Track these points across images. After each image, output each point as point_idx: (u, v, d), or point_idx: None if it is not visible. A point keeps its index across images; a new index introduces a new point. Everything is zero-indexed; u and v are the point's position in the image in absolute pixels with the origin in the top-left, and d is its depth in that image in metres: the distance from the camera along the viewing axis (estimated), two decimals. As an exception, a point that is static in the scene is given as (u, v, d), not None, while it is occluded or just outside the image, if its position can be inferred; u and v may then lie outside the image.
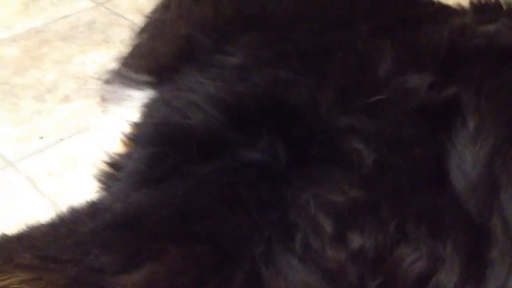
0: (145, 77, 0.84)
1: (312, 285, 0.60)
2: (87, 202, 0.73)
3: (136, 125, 0.79)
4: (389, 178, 0.58)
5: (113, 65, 1.28)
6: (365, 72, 0.64)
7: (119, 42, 1.54)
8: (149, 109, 0.79)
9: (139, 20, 1.63)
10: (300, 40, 0.75)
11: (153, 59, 0.87)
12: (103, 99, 0.98)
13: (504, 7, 0.75)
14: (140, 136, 0.76)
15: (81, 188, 1.07)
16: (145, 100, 0.82)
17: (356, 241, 0.57)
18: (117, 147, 0.81)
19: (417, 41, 0.67)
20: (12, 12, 1.74)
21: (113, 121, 0.87)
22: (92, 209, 0.70)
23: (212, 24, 0.83)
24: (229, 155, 0.68)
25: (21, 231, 0.72)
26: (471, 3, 0.76)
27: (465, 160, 0.57)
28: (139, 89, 0.84)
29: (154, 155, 0.72)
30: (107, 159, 0.78)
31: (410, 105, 0.60)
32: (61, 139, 1.19)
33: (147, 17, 1.07)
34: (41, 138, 1.20)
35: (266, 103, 0.68)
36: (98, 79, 1.31)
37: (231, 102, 0.70)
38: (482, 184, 0.57)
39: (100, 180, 0.77)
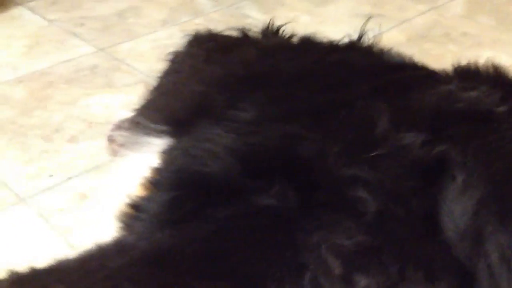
0: (163, 127, 0.91)
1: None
2: (113, 241, 0.79)
3: (156, 170, 0.85)
4: (390, 225, 0.65)
5: (122, 110, 1.35)
6: (365, 129, 0.72)
7: (122, 86, 1.61)
8: (169, 157, 0.85)
9: (139, 66, 1.72)
10: (306, 98, 0.82)
11: (169, 112, 0.93)
12: (119, 144, 1.04)
13: (484, 73, 0.84)
14: (161, 181, 0.82)
15: (91, 224, 1.13)
16: (164, 147, 0.89)
17: (362, 282, 0.64)
18: (137, 190, 0.87)
19: (409, 104, 0.75)
20: (16, 54, 1.80)
21: (131, 165, 0.93)
22: (118, 247, 0.76)
23: (224, 83, 0.91)
24: (244, 201, 0.74)
25: (50, 265, 0.77)
26: (455, 70, 0.85)
27: (454, 212, 0.65)
28: (158, 137, 0.90)
29: (175, 199, 0.78)
30: (128, 201, 0.84)
31: (406, 160, 0.68)
32: (70, 178, 1.24)
33: (159, 77, 1.14)
34: (51, 176, 1.25)
35: (278, 154, 0.75)
36: (105, 122, 1.38)
37: (246, 152, 0.77)
38: (469, 234, 0.64)
39: (121, 220, 0.83)
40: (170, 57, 1.14)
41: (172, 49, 1.81)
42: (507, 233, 0.63)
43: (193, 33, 1.13)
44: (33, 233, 1.11)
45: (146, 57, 1.77)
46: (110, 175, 1.22)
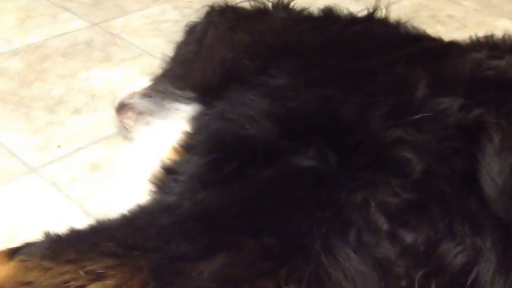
0: (191, 94, 0.92)
1: (365, 273, 0.69)
2: (154, 201, 0.80)
3: (189, 135, 0.86)
4: (435, 183, 0.68)
5: (126, 82, 1.35)
6: (405, 94, 0.75)
7: (120, 60, 1.60)
8: (202, 121, 0.86)
9: (134, 41, 1.71)
10: (338, 66, 0.85)
11: (198, 79, 0.94)
12: (139, 112, 1.04)
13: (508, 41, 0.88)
14: (196, 144, 0.83)
15: (106, 194, 1.13)
16: (193, 113, 0.90)
17: (409, 237, 0.67)
18: (168, 154, 0.88)
19: (443, 71, 0.78)
20: (9, 27, 1.76)
21: (158, 131, 0.94)
22: (162, 207, 0.77)
23: (253, 50, 0.92)
24: (284, 162, 0.77)
25: (91, 225, 0.78)
26: (478, 40, 0.89)
27: (493, 170, 0.69)
28: (186, 104, 0.91)
29: (215, 161, 0.79)
30: (161, 164, 0.85)
31: (447, 122, 0.71)
32: (79, 148, 1.24)
33: (178, 47, 1.14)
34: (59, 147, 1.24)
35: (316, 117, 0.78)
36: (108, 95, 1.37)
37: (285, 116, 0.79)
38: (507, 190, 0.68)
39: (154, 183, 0.84)
40: (187, 28, 1.15)
41: (167, 24, 1.83)
42: (543, 188, 0.67)
43: (210, 4, 1.14)
44: (47, 202, 1.11)
45: (141, 33, 1.76)
46: (120, 146, 1.23)
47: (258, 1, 1.14)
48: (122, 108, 1.21)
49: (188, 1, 1.99)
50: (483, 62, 0.80)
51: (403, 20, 1.05)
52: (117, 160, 1.18)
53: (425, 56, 0.83)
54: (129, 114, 1.13)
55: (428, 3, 2.11)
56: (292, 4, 1.15)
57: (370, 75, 0.80)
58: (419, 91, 0.74)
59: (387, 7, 1.13)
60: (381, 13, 1.10)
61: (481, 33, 0.98)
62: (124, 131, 1.22)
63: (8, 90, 1.44)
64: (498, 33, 1.95)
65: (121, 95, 1.25)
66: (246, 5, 1.17)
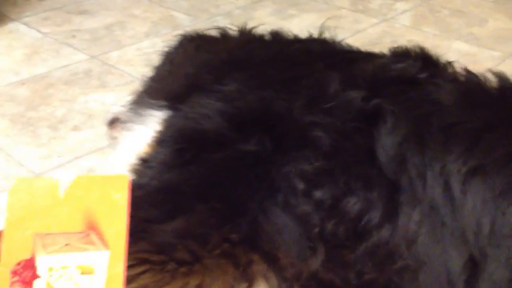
0: (162, 102, 1.13)
1: (290, 226, 0.89)
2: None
3: (160, 132, 1.07)
4: (341, 154, 0.88)
5: (116, 105, 1.57)
6: (321, 89, 0.96)
7: (114, 86, 1.82)
8: (170, 121, 1.07)
9: (128, 69, 1.94)
10: (276, 74, 1.06)
11: (167, 90, 1.16)
12: (123, 122, 1.25)
13: (412, 52, 1.09)
14: (165, 139, 1.04)
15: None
16: (164, 117, 1.11)
17: (318, 194, 0.87)
18: (144, 149, 1.09)
19: (353, 72, 1.00)
20: (17, 62, 1.99)
21: (137, 133, 1.15)
22: (136, 185, 0.97)
23: (211, 65, 1.14)
24: (231, 148, 0.97)
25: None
26: (389, 50, 1.11)
27: (386, 144, 0.89)
28: (158, 110, 1.13)
29: (178, 150, 1.00)
30: (138, 156, 1.05)
31: (352, 109, 0.92)
32: (77, 157, 1.45)
33: (155, 68, 1.36)
34: (60, 156, 1.45)
35: (257, 112, 0.98)
36: (102, 115, 1.59)
37: (232, 113, 1.00)
38: (396, 158, 0.88)
39: (133, 170, 1.04)
40: (163, 54, 1.37)
41: (156, 55, 2.06)
42: (422, 156, 0.87)
43: (183, 33, 1.36)
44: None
45: (133, 63, 1.99)
46: (112, 154, 1.43)
47: (224, 28, 1.36)
48: (112, 123, 1.42)
49: (175, 36, 2.23)
50: (387, 65, 1.01)
51: (367, 45, 1.26)
52: (109, 166, 1.38)
53: (343, 62, 1.04)
54: (118, 127, 1.34)
55: (391, 30, 2.33)
56: (255, 29, 1.38)
57: (298, 79, 1.01)
58: (332, 87, 0.95)
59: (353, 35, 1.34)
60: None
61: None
62: (115, 143, 1.43)
63: (17, 112, 1.66)
64: (452, 54, 2.16)
65: (111, 113, 1.47)
66: (213, 32, 1.39)
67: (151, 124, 1.12)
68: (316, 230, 0.86)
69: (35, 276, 0.41)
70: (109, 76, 1.88)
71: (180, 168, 0.97)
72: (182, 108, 1.07)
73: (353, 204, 0.84)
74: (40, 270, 0.41)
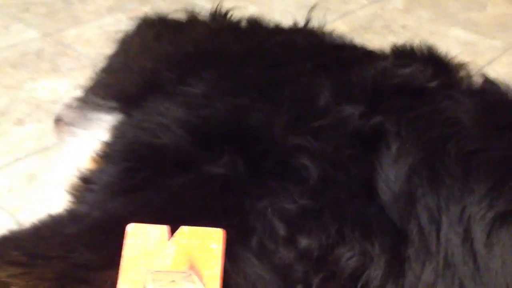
0: (113, 103, 0.93)
1: (266, 279, 0.70)
2: (65, 211, 0.81)
3: (106, 144, 0.87)
4: (331, 190, 0.69)
5: (69, 93, 1.36)
6: (309, 102, 0.77)
7: (67, 71, 1.61)
8: (120, 130, 0.87)
9: (84, 51, 1.72)
10: (254, 75, 0.86)
11: (120, 89, 0.96)
12: (67, 124, 1.05)
13: (418, 53, 0.91)
14: (112, 154, 0.84)
15: (40, 203, 1.13)
16: (114, 123, 0.91)
17: (303, 242, 0.69)
18: (87, 164, 0.89)
19: (348, 79, 0.80)
20: (-40, 38, 1.76)
21: (81, 142, 0.95)
22: (72, 216, 0.78)
23: (174, 60, 0.94)
24: (195, 170, 0.77)
25: (4, 234, 0.78)
26: (392, 50, 0.91)
27: (389, 177, 0.70)
28: (108, 113, 0.92)
29: (127, 170, 0.80)
30: (79, 174, 0.85)
31: (346, 130, 0.73)
32: (17, 159, 1.24)
33: (108, 58, 1.15)
34: (-4, 157, 1.25)
35: (227, 126, 0.79)
36: (52, 106, 1.38)
37: (197, 124, 0.80)
38: (402, 197, 0.70)
39: (72, 193, 0.85)
40: (119, 39, 1.16)
41: (119, 34, 1.84)
42: (435, 196, 0.69)
43: (142, 16, 1.15)
44: (-20, 212, 1.11)
45: (93, 43, 1.77)
46: (58, 156, 1.23)
47: (193, 11, 1.15)
48: (58, 121, 1.21)
49: (144, 12, 2.01)
50: (389, 70, 0.82)
51: (358, 29, 1.07)
52: (54, 171, 1.18)
53: (335, 65, 0.85)
54: (60, 126, 1.14)
55: (383, 13, 2.14)
56: (230, 15, 1.18)
57: (280, 84, 0.81)
58: (322, 100, 0.76)
59: (321, 24, 1.15)
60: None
61: (432, 42, 0.99)
62: (62, 144, 1.22)
63: (-49, 100, 1.44)
64: (451, 43, 1.99)
65: (59, 108, 1.26)
66: (181, 16, 1.18)
67: (98, 131, 0.92)
68: (300, 286, 0.68)
69: None
70: (63, 59, 1.66)
71: (129, 195, 0.77)
72: (135, 114, 0.87)
73: (347, 259, 0.66)
74: None
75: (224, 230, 0.58)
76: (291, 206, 0.69)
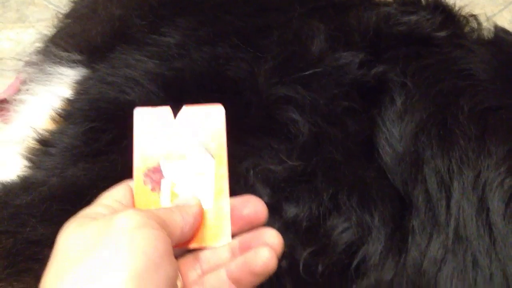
0: (76, 56, 0.84)
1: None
2: (18, 177, 0.72)
3: (68, 102, 0.78)
4: (324, 149, 0.62)
5: (34, 45, 1.25)
6: (300, 47, 0.68)
7: (35, 21, 1.50)
8: (83, 86, 0.78)
9: (54, 0, 1.61)
10: (237, 22, 0.77)
11: (84, 39, 0.86)
12: (25, 80, 0.95)
13: (423, 1, 0.82)
14: (74, 112, 0.76)
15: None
16: (77, 78, 0.82)
17: (290, 211, 0.61)
18: (46, 125, 0.80)
19: (347, 22, 0.72)
20: None
21: (40, 99, 0.86)
22: (25, 184, 0.70)
23: (147, 6, 0.84)
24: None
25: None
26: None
27: (393, 135, 0.63)
28: (70, 67, 0.83)
29: (91, 130, 0.72)
30: (36, 136, 0.77)
31: (343, 79, 0.64)
32: (-25, 120, 1.15)
33: (73, 1, 1.05)
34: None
35: (204, 78, 0.71)
36: (16, 58, 1.28)
37: (170, 77, 0.72)
38: (407, 158, 0.62)
39: (27, 158, 0.76)
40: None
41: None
42: (446, 157, 0.61)
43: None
44: None
45: (63, -9, 1.67)
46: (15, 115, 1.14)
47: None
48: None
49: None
50: (393, 16, 0.73)
51: None
52: (8, 132, 1.09)
53: (331, 9, 0.76)
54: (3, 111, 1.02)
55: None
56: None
57: (266, 30, 0.72)
58: (315, 45, 0.67)
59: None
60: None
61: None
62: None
63: None
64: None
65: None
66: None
67: (58, 88, 0.83)
68: (284, 262, 0.60)
69: (161, 177, 0.58)
70: (31, 8, 1.56)
71: (91, 160, 0.69)
72: (100, 67, 0.78)
73: (341, 231, 0.58)
74: (165, 174, 0.58)
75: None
76: (277, 168, 0.62)
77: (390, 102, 0.63)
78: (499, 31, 0.80)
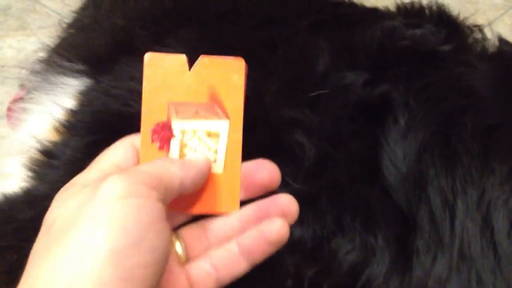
0: (80, 66, 0.84)
1: (251, 274, 0.63)
2: (22, 190, 0.72)
3: (72, 113, 0.78)
4: (329, 171, 0.62)
5: (37, 53, 1.25)
6: (305, 67, 0.68)
7: (36, 29, 1.50)
8: (87, 98, 0.78)
9: (56, 7, 1.61)
10: (240, 35, 0.77)
11: (87, 49, 0.86)
12: (26, 88, 0.95)
13: (427, 11, 0.82)
14: (77, 124, 0.76)
15: (3, 175, 1.05)
16: (81, 88, 0.82)
17: (295, 232, 0.61)
18: (50, 135, 0.80)
19: (351, 40, 0.72)
20: None
21: (43, 109, 0.86)
22: (29, 197, 0.70)
23: (150, 17, 0.84)
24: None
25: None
26: (398, 7, 0.82)
27: (396, 155, 0.63)
28: (74, 77, 0.83)
29: (94, 143, 0.72)
30: (39, 147, 0.77)
31: (348, 100, 0.64)
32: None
33: (75, 12, 1.05)
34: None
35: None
36: (18, 66, 1.28)
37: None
38: (411, 178, 0.62)
39: (30, 169, 0.76)
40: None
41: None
42: (450, 177, 0.61)
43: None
44: None
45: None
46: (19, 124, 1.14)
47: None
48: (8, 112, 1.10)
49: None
50: (397, 31, 0.73)
51: None
52: (12, 142, 1.09)
53: (336, 24, 0.76)
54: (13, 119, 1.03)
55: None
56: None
57: (271, 45, 0.72)
58: (320, 64, 0.67)
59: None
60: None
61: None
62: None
63: None
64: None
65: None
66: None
67: (62, 98, 0.83)
68: (289, 282, 0.60)
69: (171, 135, 0.53)
70: (32, 16, 1.55)
71: (95, 174, 0.69)
72: (104, 79, 0.78)
73: (346, 252, 0.58)
74: (175, 131, 0.53)
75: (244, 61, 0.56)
76: (283, 191, 0.61)
77: (393, 121, 0.63)
78: (503, 44, 0.81)
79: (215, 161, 0.54)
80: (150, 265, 0.45)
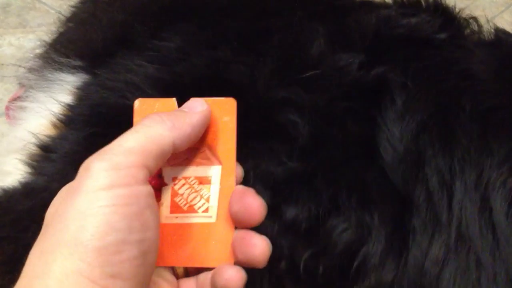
0: (77, 62, 0.85)
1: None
2: (20, 183, 0.73)
3: (69, 107, 0.79)
4: (324, 149, 0.62)
5: (35, 51, 1.27)
6: (299, 50, 0.69)
7: (36, 26, 1.52)
8: (84, 92, 0.79)
9: (56, 5, 1.63)
10: (237, 26, 0.78)
11: (85, 44, 0.87)
12: (25, 87, 0.96)
13: (423, 3, 0.82)
14: (74, 118, 0.77)
15: (2, 173, 1.05)
16: (78, 84, 0.83)
17: (290, 212, 0.61)
18: (47, 130, 0.81)
19: (346, 25, 0.72)
20: None
21: (41, 105, 0.87)
22: (26, 189, 0.71)
23: (148, 11, 0.85)
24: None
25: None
26: (394, 0, 0.83)
27: (394, 135, 0.63)
28: (71, 73, 0.84)
29: (91, 136, 0.73)
30: (37, 141, 0.78)
31: (343, 81, 0.65)
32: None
33: (74, 6, 1.06)
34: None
35: (204, 82, 0.71)
36: (17, 64, 1.29)
37: (170, 82, 0.73)
38: (408, 157, 0.63)
39: (28, 164, 0.77)
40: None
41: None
42: (448, 157, 0.62)
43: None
44: None
45: (67, -2, 1.68)
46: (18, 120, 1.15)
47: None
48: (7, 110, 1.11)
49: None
50: (393, 19, 0.74)
51: None
52: (10, 137, 1.10)
53: (330, 13, 0.77)
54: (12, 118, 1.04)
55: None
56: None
57: (267, 34, 0.73)
58: (315, 48, 0.68)
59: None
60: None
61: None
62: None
63: None
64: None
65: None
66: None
67: (59, 94, 0.84)
68: (283, 264, 0.60)
69: (163, 183, 0.53)
70: (32, 13, 1.57)
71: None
72: (101, 73, 0.79)
73: (341, 232, 0.59)
74: (166, 179, 0.53)
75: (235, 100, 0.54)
76: (277, 169, 0.62)
77: (390, 102, 0.64)
78: (500, 33, 0.81)
79: (207, 210, 0.51)
80: (137, 258, 0.44)
